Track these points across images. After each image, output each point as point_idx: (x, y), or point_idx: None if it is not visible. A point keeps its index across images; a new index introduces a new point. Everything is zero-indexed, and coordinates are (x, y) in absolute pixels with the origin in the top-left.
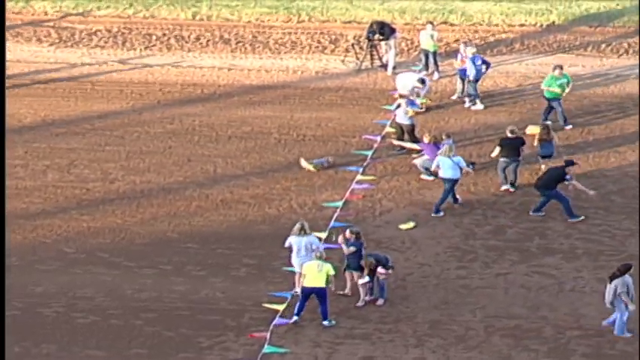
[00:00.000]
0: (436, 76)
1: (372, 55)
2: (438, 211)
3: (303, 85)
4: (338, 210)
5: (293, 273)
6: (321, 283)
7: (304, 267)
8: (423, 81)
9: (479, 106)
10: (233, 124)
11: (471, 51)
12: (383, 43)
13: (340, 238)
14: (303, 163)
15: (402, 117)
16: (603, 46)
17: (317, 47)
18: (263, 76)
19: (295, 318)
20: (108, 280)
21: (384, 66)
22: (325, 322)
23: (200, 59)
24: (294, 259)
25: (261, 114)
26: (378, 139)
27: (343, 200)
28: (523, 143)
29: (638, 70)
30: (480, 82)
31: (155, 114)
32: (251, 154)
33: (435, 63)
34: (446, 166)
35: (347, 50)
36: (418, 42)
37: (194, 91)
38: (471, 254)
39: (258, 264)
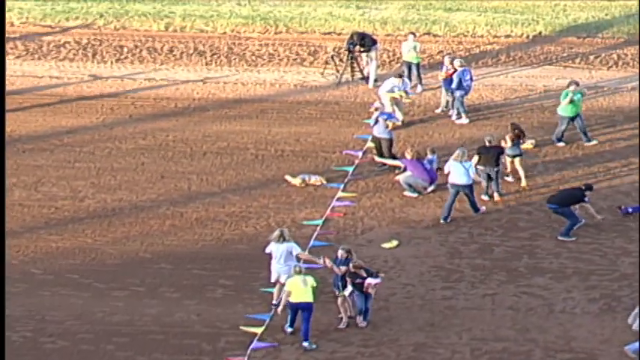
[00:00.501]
0: (419, 89)
1: (352, 68)
2: (446, 218)
3: (281, 99)
4: (318, 228)
5: (272, 294)
6: (308, 297)
7: (288, 284)
8: (400, 75)
9: (464, 120)
10: (208, 140)
11: (458, 65)
12: (364, 54)
13: (327, 261)
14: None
15: (381, 131)
16: (592, 57)
17: (295, 59)
18: (239, 89)
19: (290, 329)
20: (78, 303)
21: (365, 78)
22: (305, 344)
23: (174, 72)
24: (274, 266)
25: (237, 129)
26: (360, 154)
27: (323, 218)
28: (501, 152)
29: (630, 83)
30: (467, 97)
31: (127, 129)
32: (227, 170)
33: (419, 75)
34: (458, 171)
35: (326, 62)
36: (400, 53)
37: (167, 105)
38: (457, 274)
39: (235, 285)
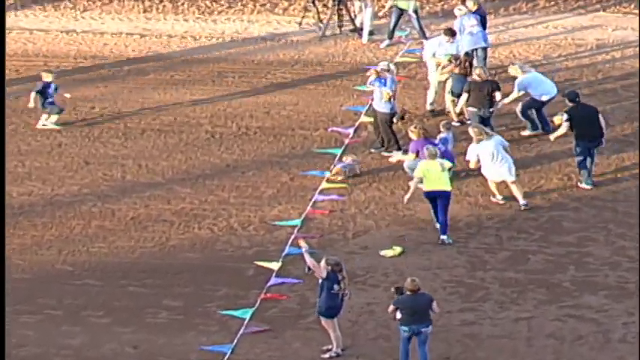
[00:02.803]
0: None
1: (340, 16)
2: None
3: (245, 58)
4: (295, 231)
5: (233, 318)
6: (446, 185)
7: (422, 168)
8: (451, 32)
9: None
10: (148, 113)
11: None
12: None
13: (323, 263)
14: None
15: (377, 102)
16: None
17: (264, 5)
18: (189, 44)
19: (444, 237)
20: None
21: (358, 30)
22: (444, 237)
23: (101, 22)
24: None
25: (186, 98)
26: (350, 132)
27: (302, 217)
28: (497, 87)
29: None
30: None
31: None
32: (173, 153)
33: (420, 27)
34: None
35: (305, 9)
36: None
37: (92, 67)
38: (481, 291)
39: (184, 307)
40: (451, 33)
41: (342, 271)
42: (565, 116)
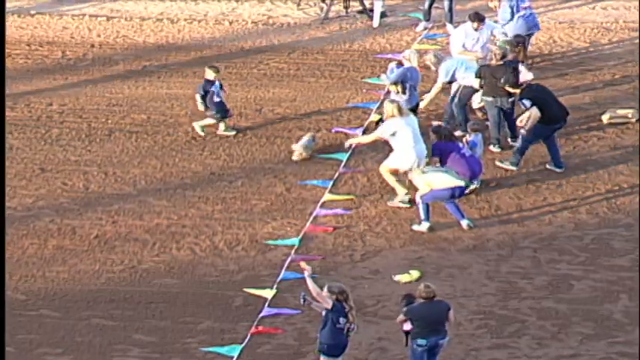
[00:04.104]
0: (451, 29)
1: None
2: None
3: (232, 45)
4: (292, 252)
5: (218, 356)
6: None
7: (429, 178)
8: (478, 18)
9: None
10: (116, 110)
11: None
12: None
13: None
14: (297, 152)
15: (394, 97)
16: None
17: None
18: (165, 29)
19: (428, 224)
20: None
21: (367, 12)
22: (467, 222)
23: (60, 3)
24: None
25: (162, 92)
26: (358, 133)
27: (301, 235)
28: (515, 69)
29: None
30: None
31: None
32: (147, 159)
33: (450, 9)
34: None
35: None
36: None
37: (50, 55)
38: (515, 324)
39: (159, 343)
40: (478, 18)
41: (348, 301)
42: (527, 102)
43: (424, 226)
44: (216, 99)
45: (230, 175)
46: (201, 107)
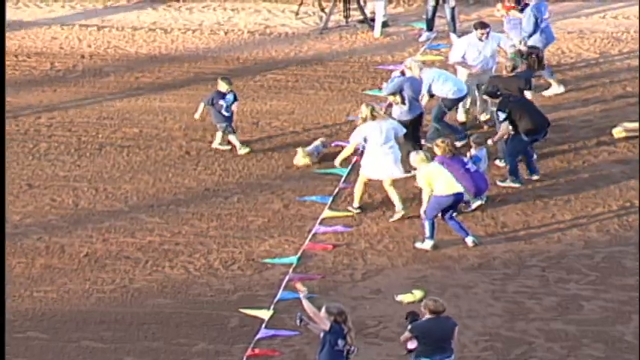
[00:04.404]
0: (455, 39)
1: (346, 3)
2: None
3: (227, 56)
4: (290, 270)
5: None
6: (458, 186)
7: (423, 175)
8: (485, 27)
9: (556, 88)
10: (107, 124)
11: None
12: None
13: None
14: (299, 156)
15: (395, 110)
16: None
17: None
18: (158, 39)
19: (432, 242)
20: None
21: (368, 21)
22: (472, 239)
23: (47, 9)
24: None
25: (155, 105)
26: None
27: (299, 254)
28: (527, 85)
29: None
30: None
31: None
32: (139, 174)
33: (453, 18)
34: None
35: None
36: None
37: (39, 67)
38: (523, 346)
39: None
40: (482, 26)
41: (346, 322)
42: (501, 115)
43: (428, 244)
44: (225, 113)
45: (225, 191)
46: (197, 116)
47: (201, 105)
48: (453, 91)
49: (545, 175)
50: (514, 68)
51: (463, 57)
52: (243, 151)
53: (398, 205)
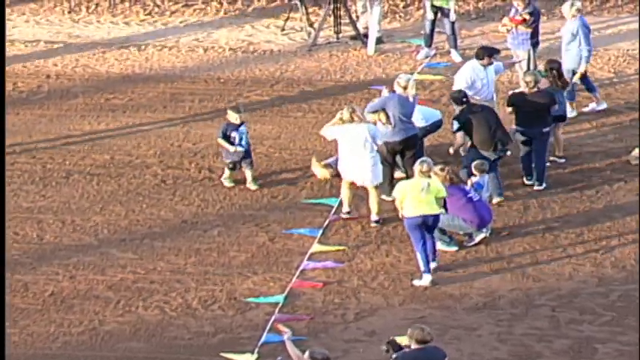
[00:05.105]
0: (455, 56)
1: (336, 18)
2: None
3: (207, 75)
4: (276, 310)
5: None
6: (434, 207)
7: (400, 189)
8: (490, 52)
9: (602, 104)
10: (75, 150)
11: (574, 8)
12: None
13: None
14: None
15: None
16: None
17: (233, 3)
18: (132, 57)
19: (429, 276)
20: None
21: (361, 38)
22: (429, 279)
23: (11, 26)
24: None
25: (128, 130)
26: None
27: (286, 292)
28: (554, 102)
29: None
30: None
31: None
32: (110, 205)
33: (453, 32)
34: None
35: (291, 9)
36: None
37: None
38: None
39: None
40: (488, 53)
41: None
42: (455, 124)
43: (426, 280)
44: (239, 148)
45: (205, 224)
46: (231, 148)
47: (221, 140)
48: (418, 119)
49: (556, 206)
50: (536, 83)
51: (474, 85)
52: (253, 186)
53: (373, 210)
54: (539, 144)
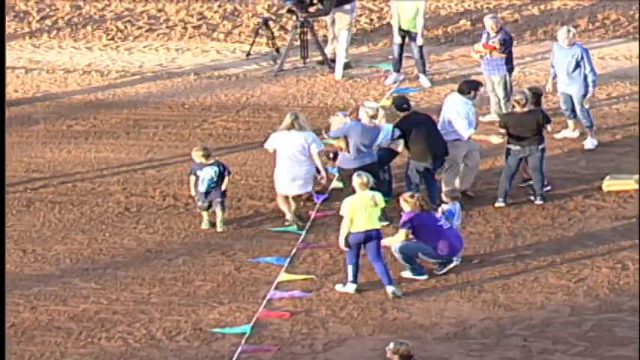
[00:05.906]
0: (424, 81)
1: (303, 42)
2: None
3: (171, 101)
4: (243, 341)
5: None
6: (376, 222)
7: (348, 204)
8: (473, 87)
9: (592, 141)
10: (36, 177)
11: (571, 33)
12: (327, 18)
13: None
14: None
15: (340, 156)
16: None
17: (198, 28)
18: (94, 82)
19: (354, 286)
20: None
21: (328, 62)
22: (392, 289)
23: None
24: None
25: (91, 156)
26: (318, 201)
27: (252, 322)
28: (545, 118)
29: None
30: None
31: None
32: (72, 233)
33: (421, 56)
34: None
35: (256, 33)
36: (390, 15)
37: None
38: None
39: None
40: (472, 87)
41: None
42: (396, 132)
43: (350, 289)
44: (201, 188)
45: (169, 252)
46: (192, 191)
47: (192, 179)
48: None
49: (528, 233)
50: (527, 101)
51: (469, 123)
52: (220, 228)
53: (287, 215)
54: (536, 161)
